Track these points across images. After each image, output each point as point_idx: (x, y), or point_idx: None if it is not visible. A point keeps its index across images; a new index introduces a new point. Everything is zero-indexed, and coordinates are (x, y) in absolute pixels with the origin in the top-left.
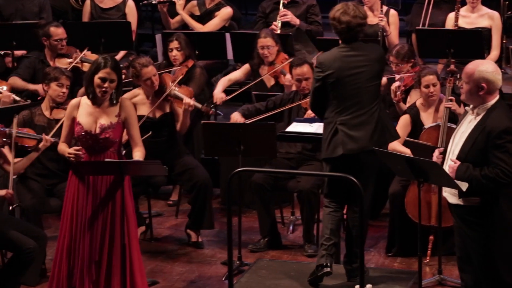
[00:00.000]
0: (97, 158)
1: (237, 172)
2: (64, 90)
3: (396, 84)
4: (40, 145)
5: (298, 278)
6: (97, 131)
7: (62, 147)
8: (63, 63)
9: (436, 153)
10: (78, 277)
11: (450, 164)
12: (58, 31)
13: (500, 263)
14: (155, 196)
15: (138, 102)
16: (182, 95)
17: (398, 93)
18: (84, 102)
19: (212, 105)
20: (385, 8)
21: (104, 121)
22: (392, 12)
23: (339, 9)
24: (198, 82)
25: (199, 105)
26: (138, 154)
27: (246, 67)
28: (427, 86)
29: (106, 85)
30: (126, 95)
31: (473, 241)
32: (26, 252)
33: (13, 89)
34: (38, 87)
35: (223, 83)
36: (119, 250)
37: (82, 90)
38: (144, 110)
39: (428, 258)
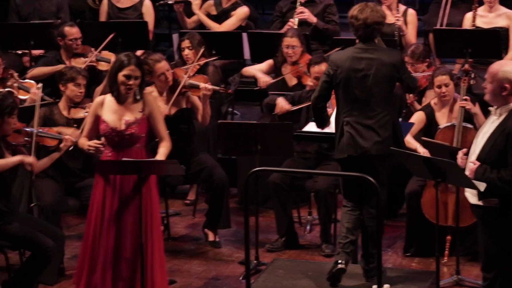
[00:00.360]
0: (124, 154)
1: (254, 171)
2: (82, 89)
3: None
4: (62, 145)
5: (315, 278)
6: (123, 127)
7: (82, 141)
8: (79, 62)
9: (460, 154)
10: (100, 275)
11: (469, 166)
12: (72, 31)
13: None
14: (172, 195)
15: None
16: (198, 82)
17: (411, 95)
18: (108, 100)
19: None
20: (403, 7)
21: (128, 117)
22: (410, 11)
23: (357, 7)
24: (210, 80)
25: (217, 87)
26: (162, 150)
27: (270, 62)
28: (439, 86)
29: (131, 82)
30: None
31: (492, 241)
32: (44, 252)
33: (36, 79)
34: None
35: (250, 71)
36: (139, 249)
37: (98, 88)
38: (162, 107)
39: (446, 258)
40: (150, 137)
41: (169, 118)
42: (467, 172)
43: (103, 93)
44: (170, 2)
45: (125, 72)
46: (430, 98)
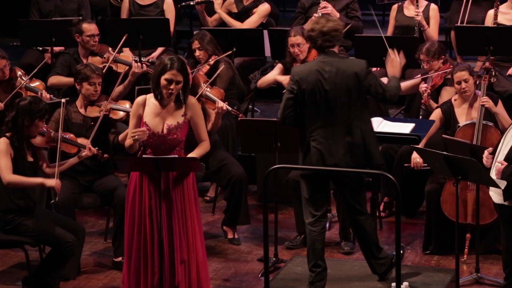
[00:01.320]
0: (163, 155)
1: (274, 169)
2: (97, 88)
3: (423, 86)
4: (83, 154)
5: (334, 275)
6: (165, 132)
7: (123, 137)
8: (96, 62)
9: (485, 153)
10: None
11: (496, 166)
12: (90, 27)
13: None
14: None
15: None
16: (214, 97)
17: (425, 95)
18: (150, 101)
19: (241, 110)
20: (425, 2)
21: (171, 121)
22: (433, 6)
23: (312, 20)
24: (223, 78)
25: (230, 108)
26: (197, 150)
27: (279, 66)
28: (459, 83)
29: (172, 86)
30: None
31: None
32: (65, 246)
33: (54, 87)
34: None
35: (268, 79)
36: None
37: (118, 88)
38: None
39: (465, 256)
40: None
41: None
42: (493, 172)
43: (121, 94)
44: (192, 3)
45: (167, 76)
46: (446, 95)
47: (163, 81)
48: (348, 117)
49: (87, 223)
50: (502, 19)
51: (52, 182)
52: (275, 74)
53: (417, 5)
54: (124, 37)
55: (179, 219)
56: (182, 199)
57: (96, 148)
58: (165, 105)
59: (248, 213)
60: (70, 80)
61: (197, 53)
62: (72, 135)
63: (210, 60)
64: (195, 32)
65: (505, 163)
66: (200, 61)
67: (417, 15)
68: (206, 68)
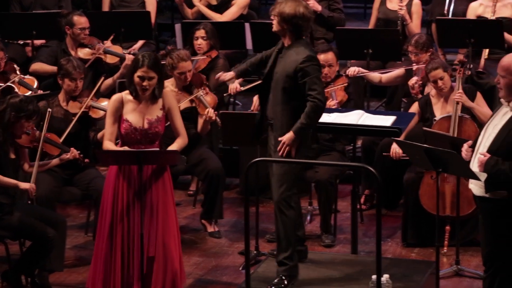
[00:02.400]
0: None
1: (255, 162)
2: (78, 84)
3: (414, 79)
4: (65, 157)
5: (314, 268)
6: (146, 126)
7: (109, 146)
8: (85, 53)
9: (465, 146)
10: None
11: (479, 157)
12: (81, 20)
13: None
14: (174, 186)
15: None
16: (207, 104)
17: (416, 86)
18: (127, 99)
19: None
20: None
21: (150, 116)
22: (416, 1)
23: (299, 4)
24: (219, 72)
25: (219, 120)
26: (175, 144)
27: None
28: (435, 81)
29: (145, 83)
30: None
31: (496, 235)
32: (45, 241)
33: (37, 74)
34: None
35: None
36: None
37: (107, 81)
38: None
39: (445, 248)
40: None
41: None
42: (475, 164)
43: (110, 86)
44: None
45: (139, 73)
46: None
47: (136, 78)
48: (278, 105)
49: (68, 216)
50: (485, 12)
51: (26, 185)
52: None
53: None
54: (111, 37)
55: (156, 213)
56: (159, 193)
57: (78, 152)
58: (141, 100)
59: (222, 208)
60: (53, 68)
61: (200, 41)
62: (55, 136)
63: (210, 53)
64: (176, 24)
65: (488, 155)
66: (199, 50)
67: (401, 9)
68: (207, 59)
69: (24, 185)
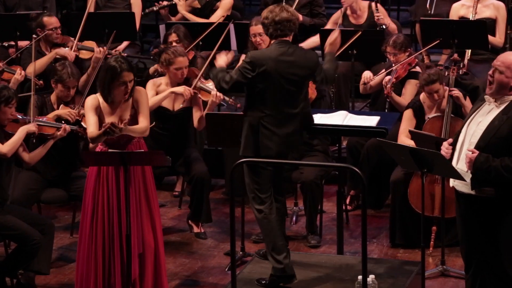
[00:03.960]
0: (124, 145)
1: (240, 163)
2: (70, 91)
3: (387, 78)
4: (58, 133)
5: (300, 268)
6: (122, 125)
7: (94, 135)
8: (60, 52)
9: (445, 144)
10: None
11: (467, 154)
12: (51, 20)
13: (506, 255)
14: (159, 187)
15: (161, 92)
16: (209, 87)
17: (389, 86)
18: (102, 101)
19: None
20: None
21: (124, 115)
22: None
23: (268, 9)
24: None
25: (227, 98)
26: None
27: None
28: (430, 93)
29: (128, 86)
30: (149, 84)
31: (482, 231)
32: (31, 244)
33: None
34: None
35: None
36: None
37: (82, 78)
38: (166, 101)
39: (431, 249)
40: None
41: (172, 115)
42: (461, 162)
43: (86, 82)
44: (155, 9)
45: (121, 80)
46: (410, 88)
47: (116, 86)
48: (295, 104)
49: (53, 218)
50: (467, 12)
51: (31, 127)
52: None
53: (377, 10)
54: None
55: (139, 211)
56: (141, 192)
57: (68, 126)
58: (116, 104)
59: (210, 212)
60: (49, 57)
61: (174, 45)
62: (48, 117)
63: (188, 54)
64: (160, 25)
65: (476, 152)
66: None
67: (378, 19)
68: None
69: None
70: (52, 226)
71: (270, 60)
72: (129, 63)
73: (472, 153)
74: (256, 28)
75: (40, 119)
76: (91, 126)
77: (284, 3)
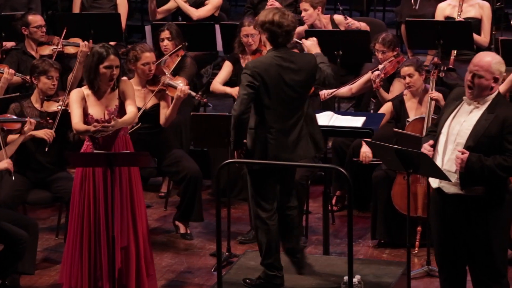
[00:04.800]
0: (110, 142)
1: (226, 163)
2: (54, 82)
3: (376, 73)
4: (25, 128)
5: (286, 269)
6: (106, 117)
7: (79, 127)
8: (46, 50)
9: (425, 146)
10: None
11: (457, 155)
12: (36, 18)
13: (496, 250)
14: (145, 188)
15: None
16: (176, 83)
17: (377, 80)
18: (87, 93)
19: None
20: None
21: (110, 106)
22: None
23: (276, 12)
24: (188, 72)
25: (194, 93)
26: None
27: (227, 64)
28: (404, 77)
29: (114, 72)
30: None
31: (473, 231)
32: (17, 243)
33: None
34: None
35: (220, 89)
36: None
37: (70, 76)
38: (138, 100)
39: (416, 249)
40: None
41: (145, 113)
42: (451, 162)
43: (74, 80)
44: None
45: (106, 63)
46: (398, 87)
47: (103, 70)
48: (301, 110)
49: (38, 219)
50: (453, 12)
51: (4, 165)
52: (222, 79)
53: (346, 17)
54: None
55: (125, 208)
56: (129, 190)
57: (33, 119)
58: (101, 93)
59: (202, 211)
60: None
61: (165, 42)
62: (9, 115)
63: (178, 52)
64: (146, 26)
65: (467, 152)
66: (165, 51)
67: (349, 25)
68: (176, 58)
69: (1, 164)
70: (36, 225)
71: (271, 67)
72: (115, 49)
73: (463, 153)
74: (249, 29)
75: (1, 117)
76: (76, 117)
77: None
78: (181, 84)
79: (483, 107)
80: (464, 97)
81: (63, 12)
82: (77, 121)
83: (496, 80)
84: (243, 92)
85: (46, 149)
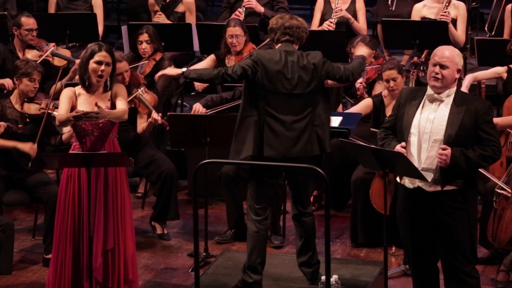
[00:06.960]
0: (99, 145)
1: (203, 164)
2: (36, 85)
3: (359, 81)
4: None
5: (264, 269)
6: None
7: (61, 117)
8: (33, 54)
9: (398, 148)
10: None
11: (440, 152)
12: (29, 21)
13: (475, 241)
14: None
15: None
16: (148, 104)
17: (361, 87)
18: (79, 92)
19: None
20: None
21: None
22: None
23: (279, 16)
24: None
25: (161, 121)
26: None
27: (212, 57)
28: (387, 81)
29: (102, 67)
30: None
31: (456, 224)
32: None
33: None
34: (6, 81)
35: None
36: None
37: (54, 86)
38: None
39: (393, 248)
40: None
41: None
42: (433, 160)
43: (58, 91)
44: None
45: (96, 58)
46: (380, 89)
47: (92, 65)
48: (303, 108)
49: (15, 220)
50: (428, 13)
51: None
52: (206, 64)
53: (337, 1)
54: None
55: (111, 210)
56: (115, 191)
57: (3, 123)
58: (93, 92)
59: (178, 209)
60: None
61: (144, 45)
62: None
63: (155, 56)
64: (122, 26)
65: (449, 148)
66: (144, 54)
67: (336, 12)
68: (152, 62)
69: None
70: (11, 225)
71: (273, 62)
72: (111, 49)
73: (444, 149)
74: (234, 30)
75: None
76: (61, 110)
77: None
78: (155, 113)
79: (449, 102)
80: (427, 94)
81: (39, 12)
82: (61, 113)
83: (458, 71)
84: (239, 65)
85: (30, 164)
